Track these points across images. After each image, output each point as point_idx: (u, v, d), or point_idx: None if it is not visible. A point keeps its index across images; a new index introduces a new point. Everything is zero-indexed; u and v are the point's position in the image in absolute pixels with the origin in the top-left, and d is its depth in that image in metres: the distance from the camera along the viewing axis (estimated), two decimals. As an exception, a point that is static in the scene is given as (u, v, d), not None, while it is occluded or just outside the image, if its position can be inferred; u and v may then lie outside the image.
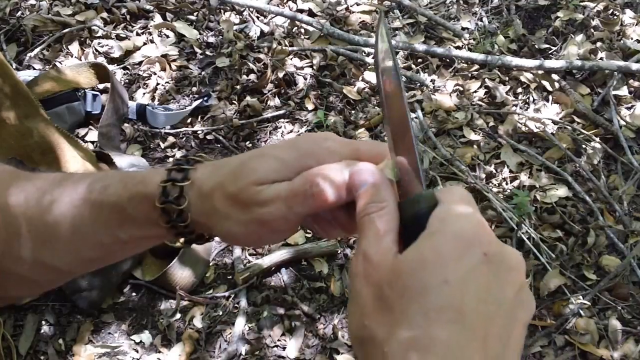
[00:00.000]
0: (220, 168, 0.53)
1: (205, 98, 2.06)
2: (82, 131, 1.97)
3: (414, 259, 0.41)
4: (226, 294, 1.63)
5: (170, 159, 1.95)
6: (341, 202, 0.48)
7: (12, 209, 0.59)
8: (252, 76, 2.13)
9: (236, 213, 0.50)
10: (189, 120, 2.04)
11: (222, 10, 2.42)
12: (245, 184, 0.49)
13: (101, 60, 2.17)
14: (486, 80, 2.13)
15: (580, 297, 1.59)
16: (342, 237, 1.70)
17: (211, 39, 2.29)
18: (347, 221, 0.52)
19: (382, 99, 0.50)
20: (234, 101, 2.08)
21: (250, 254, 1.72)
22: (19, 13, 2.34)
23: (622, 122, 2.00)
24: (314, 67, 2.18)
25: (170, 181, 0.53)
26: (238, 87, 2.10)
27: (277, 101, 2.09)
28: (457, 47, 2.27)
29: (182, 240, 0.56)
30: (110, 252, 0.60)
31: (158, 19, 2.36)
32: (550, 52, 2.25)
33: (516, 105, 2.08)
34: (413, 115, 2.03)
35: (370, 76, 2.15)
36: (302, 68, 2.19)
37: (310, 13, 2.40)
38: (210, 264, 1.70)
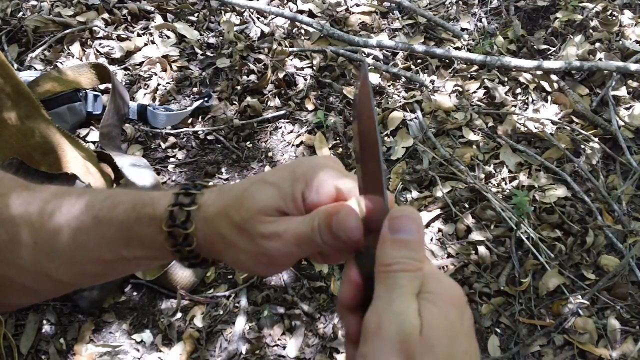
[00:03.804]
0: (225, 193, 0.53)
1: (206, 98, 2.06)
2: (83, 131, 1.98)
3: (438, 326, 0.42)
4: (227, 293, 1.64)
5: (171, 159, 1.96)
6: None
7: (14, 217, 0.59)
8: (253, 77, 2.14)
9: (243, 242, 0.51)
10: (189, 121, 2.05)
11: (222, 11, 2.43)
12: (250, 214, 0.50)
13: (102, 60, 2.18)
14: (485, 80, 2.14)
15: (579, 297, 1.60)
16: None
17: (212, 40, 2.29)
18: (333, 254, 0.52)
19: (356, 139, 0.49)
20: (234, 102, 2.09)
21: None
22: (21, 14, 2.35)
23: (621, 122, 2.00)
24: (314, 68, 2.19)
25: (178, 205, 0.53)
26: (238, 87, 2.11)
27: (277, 102, 2.10)
28: (457, 48, 2.28)
29: (185, 263, 0.56)
30: (112, 269, 0.61)
31: (159, 19, 2.37)
32: (549, 52, 2.26)
33: (515, 106, 2.09)
34: (413, 115, 2.04)
35: (370, 77, 2.15)
36: (302, 69, 2.19)
37: (310, 14, 2.41)
38: (211, 263, 1.71)
